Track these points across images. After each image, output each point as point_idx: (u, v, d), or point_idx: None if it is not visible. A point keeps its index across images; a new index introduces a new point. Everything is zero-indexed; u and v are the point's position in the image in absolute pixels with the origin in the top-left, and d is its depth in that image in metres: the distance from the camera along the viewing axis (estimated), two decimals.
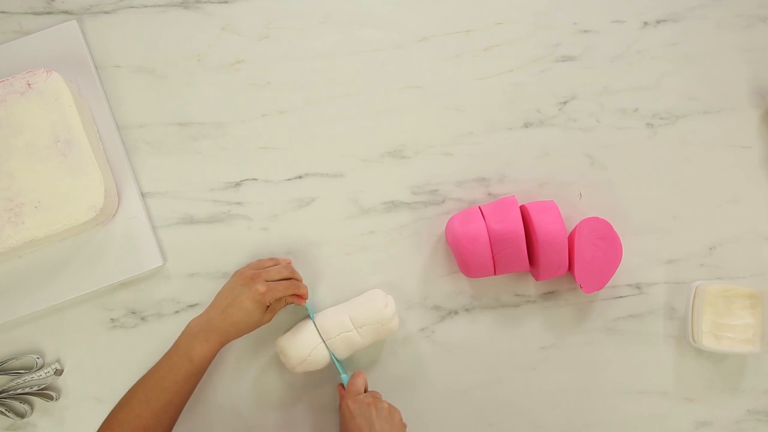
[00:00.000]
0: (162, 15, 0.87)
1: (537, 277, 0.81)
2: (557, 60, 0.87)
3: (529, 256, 0.81)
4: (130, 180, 0.85)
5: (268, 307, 0.76)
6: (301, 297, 0.80)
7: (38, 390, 0.83)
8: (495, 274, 0.80)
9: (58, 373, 0.84)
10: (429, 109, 0.86)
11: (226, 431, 0.84)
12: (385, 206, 0.86)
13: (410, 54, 0.87)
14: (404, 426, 0.75)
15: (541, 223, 0.77)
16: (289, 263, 0.81)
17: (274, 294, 0.76)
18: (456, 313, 0.86)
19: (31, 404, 0.84)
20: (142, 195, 0.86)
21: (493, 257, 0.78)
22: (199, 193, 0.86)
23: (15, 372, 0.84)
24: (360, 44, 0.87)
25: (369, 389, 0.83)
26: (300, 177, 0.86)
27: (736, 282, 0.86)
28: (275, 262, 0.81)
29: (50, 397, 0.83)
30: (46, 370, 0.83)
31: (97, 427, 0.71)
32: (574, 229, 0.81)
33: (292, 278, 0.79)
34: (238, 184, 0.86)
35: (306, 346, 0.78)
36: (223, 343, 0.75)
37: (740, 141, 0.87)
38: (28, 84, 0.79)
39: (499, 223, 0.77)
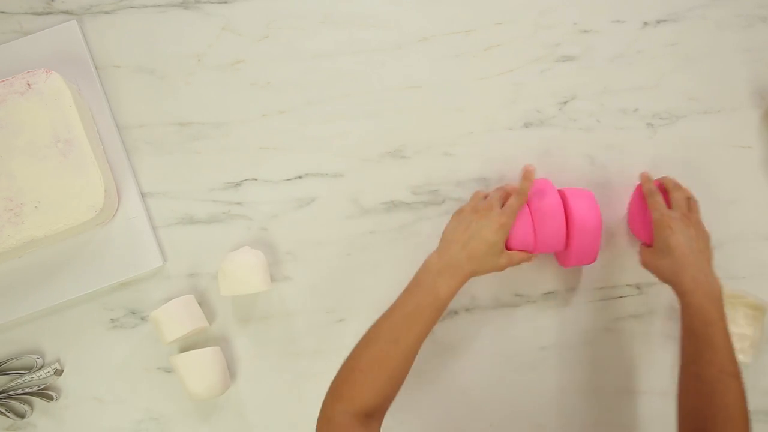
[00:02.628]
0: (162, 15, 0.87)
1: (564, 263, 0.81)
2: (557, 60, 0.87)
3: None
4: (130, 180, 0.85)
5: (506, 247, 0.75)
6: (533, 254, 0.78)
7: (38, 390, 0.83)
8: (534, 251, 0.78)
9: (58, 373, 0.84)
10: (429, 109, 0.86)
11: None
12: (385, 206, 0.86)
13: (410, 54, 0.87)
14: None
15: (577, 208, 0.76)
16: (505, 187, 0.79)
17: (512, 218, 0.73)
18: (456, 313, 0.86)
19: (31, 404, 0.84)
20: (142, 195, 0.86)
21: (534, 231, 0.77)
22: (199, 193, 0.86)
23: (15, 372, 0.84)
24: (360, 44, 0.87)
25: None
26: (300, 177, 0.86)
27: (738, 283, 0.85)
28: (504, 188, 0.78)
29: (50, 397, 0.83)
30: (46, 370, 0.83)
31: (342, 366, 0.70)
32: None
33: (520, 191, 0.75)
34: (238, 184, 0.86)
35: None
36: (467, 279, 0.72)
37: (740, 141, 0.87)
38: (28, 84, 0.79)
39: (540, 200, 0.77)
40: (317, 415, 0.68)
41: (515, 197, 0.75)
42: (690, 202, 0.78)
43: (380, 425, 0.68)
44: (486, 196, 0.78)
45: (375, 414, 0.68)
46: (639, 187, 0.81)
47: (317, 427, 0.67)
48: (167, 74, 0.87)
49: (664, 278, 0.75)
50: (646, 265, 0.78)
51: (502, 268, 0.76)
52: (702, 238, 0.75)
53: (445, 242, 0.75)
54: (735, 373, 0.68)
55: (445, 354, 0.85)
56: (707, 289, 0.70)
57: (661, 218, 0.75)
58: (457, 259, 0.72)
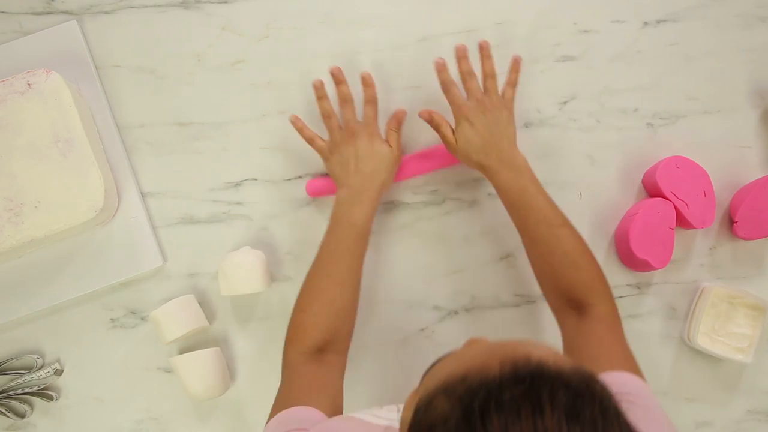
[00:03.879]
0: (162, 15, 0.87)
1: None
2: (557, 60, 0.87)
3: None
4: (130, 180, 0.85)
5: (387, 141, 0.78)
6: (400, 113, 0.80)
7: (38, 390, 0.83)
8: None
9: (58, 373, 0.84)
10: (429, 109, 0.86)
11: None
12: (385, 206, 0.86)
13: (410, 54, 0.87)
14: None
15: None
16: (324, 94, 0.80)
17: (377, 126, 0.77)
18: (456, 313, 0.86)
19: (31, 404, 0.84)
20: (142, 195, 0.86)
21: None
22: (199, 193, 0.86)
23: (15, 372, 0.84)
24: (360, 44, 0.87)
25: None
26: (300, 177, 0.86)
27: (738, 283, 0.86)
28: (327, 106, 0.80)
29: (50, 397, 0.83)
30: (46, 370, 0.83)
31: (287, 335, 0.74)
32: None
33: (369, 99, 0.79)
34: (238, 184, 0.86)
35: None
36: (377, 199, 0.76)
37: (740, 141, 0.87)
38: (28, 84, 0.79)
39: None
40: None
41: (367, 106, 0.78)
42: (487, 83, 0.78)
43: (340, 357, 0.73)
44: (337, 121, 0.80)
45: (326, 348, 0.72)
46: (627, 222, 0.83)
47: (281, 373, 0.72)
48: (167, 74, 0.87)
49: (472, 165, 0.77)
50: (454, 155, 0.79)
51: (398, 161, 0.80)
52: (499, 120, 0.76)
53: (341, 177, 0.78)
54: (561, 222, 0.73)
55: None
56: (513, 163, 0.75)
57: (458, 111, 0.76)
58: (359, 184, 0.76)
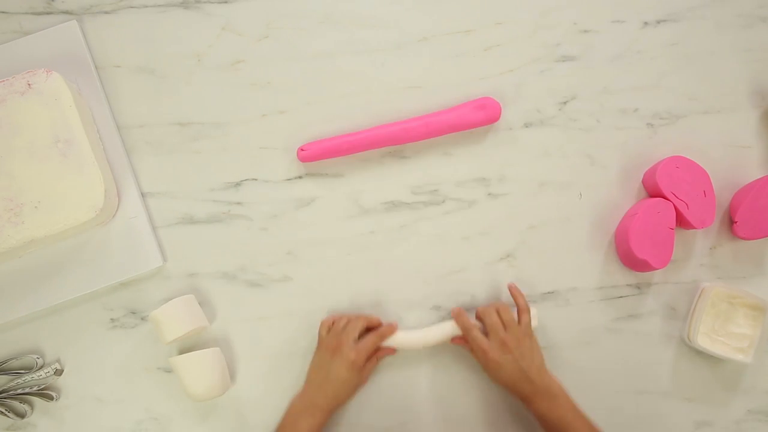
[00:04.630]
0: (162, 15, 0.87)
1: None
2: (557, 60, 0.87)
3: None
4: (130, 180, 0.85)
5: (364, 367, 0.79)
6: (390, 349, 0.82)
7: (38, 390, 0.83)
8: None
9: (58, 373, 0.84)
10: (429, 109, 0.86)
11: None
12: (385, 206, 0.86)
13: (410, 54, 0.87)
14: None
15: None
16: (360, 317, 0.81)
17: (363, 356, 0.78)
18: None
19: (31, 404, 0.84)
20: (142, 195, 0.86)
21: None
22: (199, 193, 0.86)
23: (15, 372, 0.84)
24: (360, 44, 0.87)
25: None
26: (300, 177, 0.86)
27: (738, 283, 0.86)
28: (352, 317, 0.81)
29: (50, 397, 0.83)
30: (46, 370, 0.83)
31: None
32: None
33: (380, 333, 0.80)
34: (238, 184, 0.86)
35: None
36: (328, 416, 0.77)
37: (740, 141, 0.87)
38: (28, 84, 0.79)
39: None
40: None
41: (371, 337, 0.79)
42: (503, 319, 0.78)
43: None
44: (342, 323, 0.80)
45: None
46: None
47: None
48: (167, 74, 0.87)
49: (503, 385, 0.79)
50: (485, 368, 0.79)
51: (366, 381, 0.81)
52: (524, 353, 0.77)
53: (307, 382, 0.80)
54: None
55: (444, 354, 0.85)
56: (547, 392, 0.76)
57: (484, 356, 0.78)
58: (315, 398, 0.77)
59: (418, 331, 0.82)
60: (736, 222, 0.83)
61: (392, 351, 0.82)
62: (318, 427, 0.76)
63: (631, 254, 0.80)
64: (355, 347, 0.78)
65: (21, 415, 0.83)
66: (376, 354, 0.81)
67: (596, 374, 0.85)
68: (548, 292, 0.86)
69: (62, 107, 0.79)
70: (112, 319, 0.85)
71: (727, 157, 0.87)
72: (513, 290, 0.82)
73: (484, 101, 0.84)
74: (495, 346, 0.77)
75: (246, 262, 0.86)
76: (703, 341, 0.82)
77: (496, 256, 0.86)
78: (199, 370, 0.80)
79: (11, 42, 0.86)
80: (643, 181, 0.86)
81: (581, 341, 0.85)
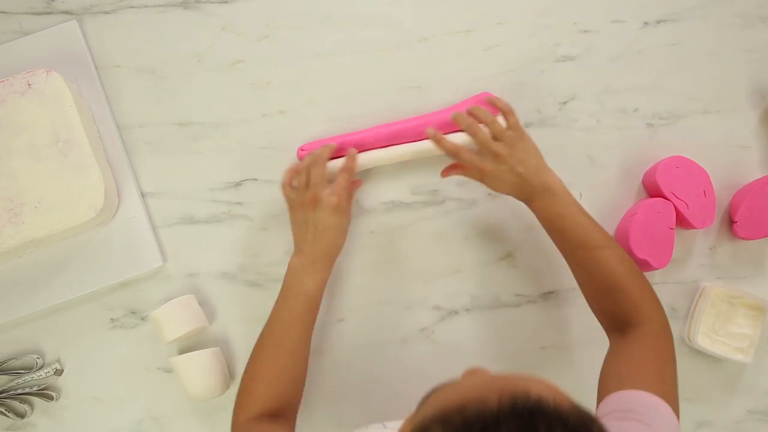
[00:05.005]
0: (162, 15, 0.87)
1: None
2: (557, 60, 0.87)
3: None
4: (130, 180, 0.85)
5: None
6: (359, 181, 0.81)
7: (38, 390, 0.83)
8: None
9: (58, 373, 0.84)
10: (429, 109, 0.86)
11: None
12: (385, 206, 0.86)
13: (410, 54, 0.87)
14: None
15: None
16: (313, 153, 0.79)
17: (344, 195, 0.76)
18: (456, 313, 0.86)
19: (31, 404, 0.84)
20: (142, 195, 0.86)
21: None
22: (199, 193, 0.86)
23: (15, 372, 0.84)
24: (360, 44, 0.87)
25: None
26: None
27: (738, 283, 0.86)
28: (309, 163, 0.78)
29: (50, 397, 0.83)
30: (46, 370, 0.83)
31: (238, 389, 0.75)
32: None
33: (347, 168, 0.78)
34: (238, 184, 0.86)
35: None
36: (329, 267, 0.77)
37: (740, 141, 0.87)
38: (28, 84, 0.79)
39: None
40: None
41: (342, 175, 0.77)
42: (492, 130, 0.77)
43: (289, 422, 0.74)
44: (306, 179, 0.77)
45: (277, 414, 0.72)
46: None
47: None
48: (167, 74, 0.87)
49: (510, 194, 0.77)
50: (481, 181, 0.78)
51: (349, 219, 0.80)
52: (520, 158, 0.75)
53: (297, 242, 0.78)
54: (600, 244, 0.72)
55: (444, 354, 0.85)
56: (545, 189, 0.74)
57: (481, 174, 0.76)
58: (313, 254, 0.76)
59: (386, 150, 0.82)
60: (736, 222, 0.83)
61: (361, 183, 0.83)
62: (323, 282, 0.76)
63: (631, 254, 0.80)
64: (332, 191, 0.76)
65: (21, 415, 0.83)
66: (351, 190, 0.80)
67: (596, 374, 0.85)
68: (548, 292, 0.86)
69: (62, 107, 0.79)
70: (112, 319, 0.85)
71: (727, 157, 0.87)
72: (489, 99, 0.79)
73: (482, 96, 0.84)
74: (489, 160, 0.75)
75: (246, 262, 0.86)
76: (703, 341, 0.82)
77: (496, 256, 0.86)
78: (199, 370, 0.80)
79: (11, 42, 0.86)
80: (643, 181, 0.86)
81: (581, 341, 0.85)
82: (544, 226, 0.76)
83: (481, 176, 0.76)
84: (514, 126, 0.77)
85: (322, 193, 0.76)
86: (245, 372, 0.75)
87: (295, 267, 0.76)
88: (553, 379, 0.86)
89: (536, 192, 0.75)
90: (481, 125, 0.77)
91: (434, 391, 0.48)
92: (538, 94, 0.87)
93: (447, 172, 0.81)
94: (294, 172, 0.79)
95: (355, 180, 0.81)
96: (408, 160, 0.83)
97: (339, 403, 0.85)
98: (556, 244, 0.76)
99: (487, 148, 0.75)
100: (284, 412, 0.73)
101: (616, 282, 0.71)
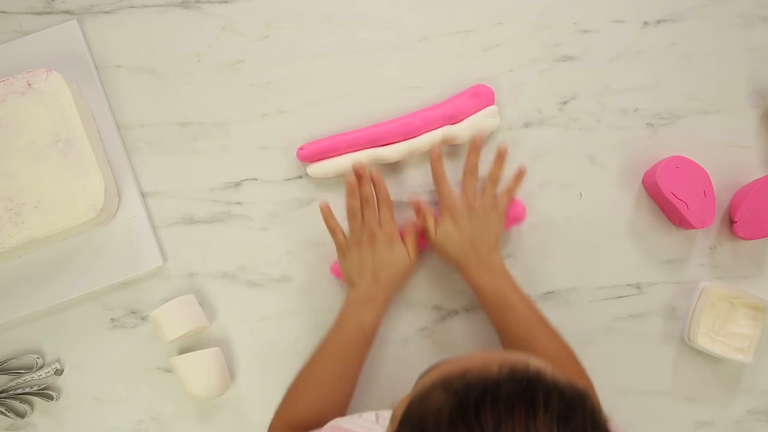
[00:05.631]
0: (162, 15, 0.87)
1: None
2: (557, 60, 0.87)
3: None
4: (130, 180, 0.85)
5: (404, 243, 0.78)
6: (419, 212, 0.79)
7: (38, 390, 0.83)
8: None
9: (58, 373, 0.84)
10: (418, 199, 0.86)
11: None
12: None
13: (410, 54, 0.87)
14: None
15: None
16: (365, 186, 0.78)
17: (395, 227, 0.77)
18: (456, 313, 0.86)
19: (31, 404, 0.84)
20: (142, 195, 0.86)
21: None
22: (199, 193, 0.86)
23: (15, 372, 0.84)
24: (360, 44, 0.87)
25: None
26: (300, 177, 0.86)
27: (738, 283, 0.86)
28: (363, 201, 0.77)
29: (50, 397, 0.83)
30: (46, 370, 0.83)
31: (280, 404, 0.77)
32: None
33: (383, 200, 0.78)
34: (238, 184, 0.86)
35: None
36: (387, 304, 0.78)
37: (740, 141, 0.87)
38: (28, 84, 0.79)
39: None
40: None
41: (383, 208, 0.78)
42: (487, 186, 0.78)
43: None
44: (361, 221, 0.78)
45: (312, 428, 0.72)
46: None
47: None
48: (167, 74, 0.87)
49: (447, 261, 0.79)
50: (431, 245, 0.80)
51: (414, 265, 0.80)
52: (484, 224, 0.76)
53: (356, 279, 0.78)
54: (539, 321, 0.75)
55: (444, 354, 0.85)
56: (489, 265, 0.76)
57: (444, 205, 0.77)
58: (373, 291, 0.77)
59: (386, 149, 0.82)
60: (736, 222, 0.83)
61: (424, 213, 0.79)
62: (380, 318, 0.77)
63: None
64: (384, 225, 0.77)
65: (21, 415, 0.83)
66: (407, 227, 0.79)
67: (596, 374, 0.85)
68: (548, 292, 0.86)
69: (62, 107, 0.79)
70: (112, 319, 0.85)
71: (727, 157, 0.86)
72: (519, 173, 0.79)
73: (477, 89, 0.84)
74: (460, 204, 0.76)
75: (246, 262, 0.86)
76: (703, 341, 0.82)
77: None
78: (199, 370, 0.80)
79: (11, 42, 0.86)
80: (643, 181, 0.86)
81: (581, 341, 0.85)
82: (482, 300, 0.77)
83: (443, 213, 0.77)
84: (489, 193, 0.78)
85: (376, 228, 0.77)
86: (292, 385, 0.77)
87: (354, 300, 0.77)
88: None
89: (481, 265, 0.76)
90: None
91: (432, 367, 0.49)
92: (538, 94, 0.87)
93: (412, 202, 0.80)
94: (351, 215, 0.78)
95: (413, 222, 0.80)
96: (408, 157, 0.83)
97: None
98: (493, 319, 0.77)
99: (466, 193, 0.77)
100: (318, 427, 0.74)
101: (555, 359, 0.72)
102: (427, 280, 0.86)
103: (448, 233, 0.76)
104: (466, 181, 0.78)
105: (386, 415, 0.64)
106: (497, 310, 0.76)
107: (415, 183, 0.86)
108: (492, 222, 0.77)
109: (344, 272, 0.80)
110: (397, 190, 0.85)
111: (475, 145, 0.78)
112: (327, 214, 0.79)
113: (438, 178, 0.78)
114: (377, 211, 0.78)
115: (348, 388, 0.77)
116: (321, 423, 0.72)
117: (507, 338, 0.76)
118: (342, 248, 0.79)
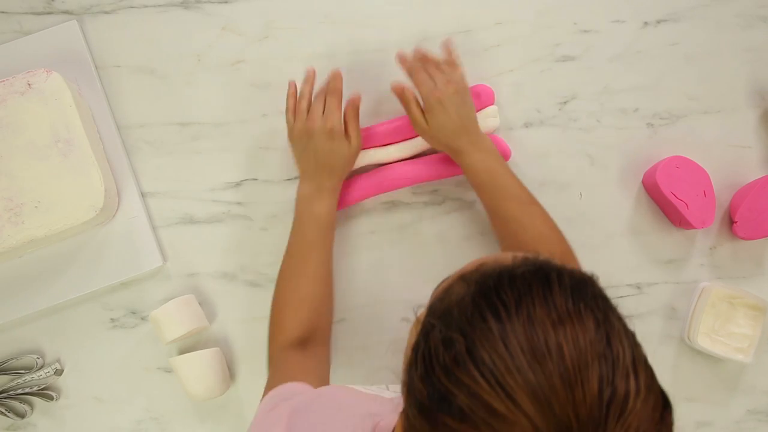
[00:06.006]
0: (162, 15, 0.87)
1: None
2: (557, 60, 0.87)
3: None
4: (130, 180, 0.85)
5: (346, 133, 0.78)
6: (353, 100, 0.80)
7: (38, 390, 0.83)
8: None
9: (58, 373, 0.84)
10: (401, 83, 0.86)
11: None
12: (385, 206, 0.86)
13: (410, 54, 0.87)
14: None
15: None
16: (311, 78, 0.79)
17: (337, 118, 0.77)
18: None
19: (31, 404, 0.84)
20: (142, 195, 0.86)
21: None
22: (199, 193, 0.86)
23: (15, 372, 0.84)
24: (360, 44, 0.87)
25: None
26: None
27: (738, 283, 0.86)
28: (306, 90, 0.78)
29: (50, 397, 0.83)
30: (46, 370, 0.83)
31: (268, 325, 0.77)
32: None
33: (332, 90, 0.78)
34: (238, 184, 0.86)
35: None
36: (336, 191, 0.78)
37: (740, 141, 0.87)
38: (28, 84, 0.79)
39: None
40: None
41: (330, 97, 0.78)
42: (448, 66, 0.77)
43: (323, 348, 0.76)
44: (306, 106, 0.78)
45: (308, 340, 0.74)
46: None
47: (267, 370, 0.74)
48: (167, 74, 0.87)
49: (441, 148, 0.79)
50: (422, 135, 0.80)
51: (356, 152, 0.80)
52: (465, 101, 0.77)
53: (301, 170, 0.79)
54: (531, 200, 0.76)
55: None
56: (482, 145, 0.77)
57: (430, 94, 0.76)
58: (318, 179, 0.77)
59: (385, 148, 0.84)
60: (736, 222, 0.83)
61: (358, 100, 0.80)
62: (333, 206, 0.78)
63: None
64: (325, 117, 0.77)
65: (21, 415, 0.83)
66: (347, 112, 0.79)
67: None
68: None
69: (62, 107, 0.79)
70: (112, 319, 0.85)
71: (727, 157, 0.87)
72: (446, 44, 0.79)
73: (477, 89, 0.84)
74: (442, 88, 0.76)
75: (246, 262, 0.86)
76: (703, 341, 0.82)
77: None
78: (199, 370, 0.80)
79: (11, 42, 0.86)
80: (643, 181, 0.86)
81: None
82: (475, 181, 0.77)
83: (430, 102, 0.76)
84: (459, 79, 0.77)
85: (317, 120, 0.77)
86: (272, 304, 0.77)
87: (303, 195, 0.78)
88: None
89: (474, 145, 0.76)
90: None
91: (445, 278, 0.53)
92: (538, 94, 0.87)
93: (396, 88, 0.79)
94: (298, 103, 0.78)
95: (353, 97, 0.80)
96: (408, 156, 0.83)
97: None
98: (486, 200, 0.77)
99: (439, 79, 0.76)
100: (315, 337, 0.75)
101: (547, 235, 0.75)
102: (428, 280, 0.85)
103: (440, 121, 0.76)
104: (431, 70, 0.77)
105: (396, 388, 0.65)
106: (491, 190, 0.76)
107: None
108: (468, 100, 0.78)
109: (294, 155, 0.80)
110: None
111: (447, 44, 0.79)
112: (291, 94, 0.79)
113: (412, 70, 0.77)
114: (322, 102, 0.78)
115: (324, 284, 0.77)
116: (315, 328, 0.74)
117: (500, 219, 0.77)
118: (289, 131, 0.79)
